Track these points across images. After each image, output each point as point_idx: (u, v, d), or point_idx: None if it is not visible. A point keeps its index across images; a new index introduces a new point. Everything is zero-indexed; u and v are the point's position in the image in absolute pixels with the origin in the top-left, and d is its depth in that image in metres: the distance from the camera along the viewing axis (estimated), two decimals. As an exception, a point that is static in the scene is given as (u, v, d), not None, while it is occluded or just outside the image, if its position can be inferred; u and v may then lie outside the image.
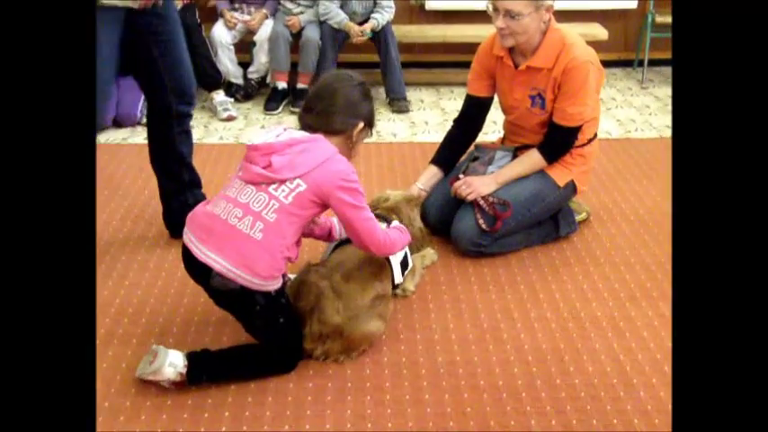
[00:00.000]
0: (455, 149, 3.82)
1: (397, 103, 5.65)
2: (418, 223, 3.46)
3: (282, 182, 2.59)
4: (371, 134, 2.93)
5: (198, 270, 2.66)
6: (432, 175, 3.74)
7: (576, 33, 3.46)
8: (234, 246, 2.58)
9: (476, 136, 3.84)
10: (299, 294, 2.84)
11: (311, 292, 2.82)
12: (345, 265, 2.93)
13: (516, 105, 3.58)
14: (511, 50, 3.48)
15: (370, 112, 2.85)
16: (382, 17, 5.50)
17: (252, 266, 2.57)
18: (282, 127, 2.74)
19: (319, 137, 2.68)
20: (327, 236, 3.13)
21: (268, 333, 2.76)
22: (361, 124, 2.79)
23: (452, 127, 3.86)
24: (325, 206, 2.68)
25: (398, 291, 3.19)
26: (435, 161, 3.78)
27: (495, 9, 3.29)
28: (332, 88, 2.79)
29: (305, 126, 2.77)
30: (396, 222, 3.18)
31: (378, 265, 3.01)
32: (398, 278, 3.14)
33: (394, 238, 2.85)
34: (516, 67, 3.47)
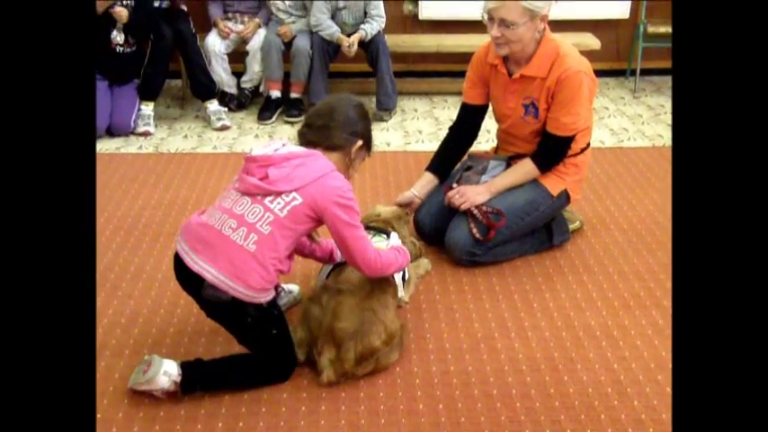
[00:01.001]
0: (450, 157, 3.82)
1: (379, 113, 5.65)
2: (409, 239, 3.46)
3: (278, 194, 2.59)
4: (369, 155, 2.93)
5: (190, 280, 2.65)
6: (427, 182, 3.74)
7: (570, 44, 3.46)
8: (227, 256, 2.57)
9: (471, 143, 3.84)
10: (340, 316, 2.80)
11: (355, 315, 2.80)
12: (376, 288, 2.92)
13: (509, 114, 3.58)
14: (505, 59, 3.49)
15: (369, 131, 2.88)
16: (371, 27, 5.49)
17: (244, 278, 2.57)
18: (281, 142, 2.75)
19: (318, 153, 2.70)
20: (329, 257, 3.11)
21: (261, 345, 2.76)
22: (360, 142, 2.81)
23: (448, 134, 3.86)
24: (319, 221, 2.68)
25: (393, 302, 3.19)
26: (431, 168, 3.78)
27: (491, 18, 3.29)
28: (331, 106, 2.83)
29: (305, 142, 2.79)
30: (395, 239, 3.18)
31: (394, 288, 3.04)
32: (400, 293, 3.14)
33: (386, 260, 2.83)
34: (510, 75, 3.48)
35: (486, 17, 3.32)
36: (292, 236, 2.64)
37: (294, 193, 2.59)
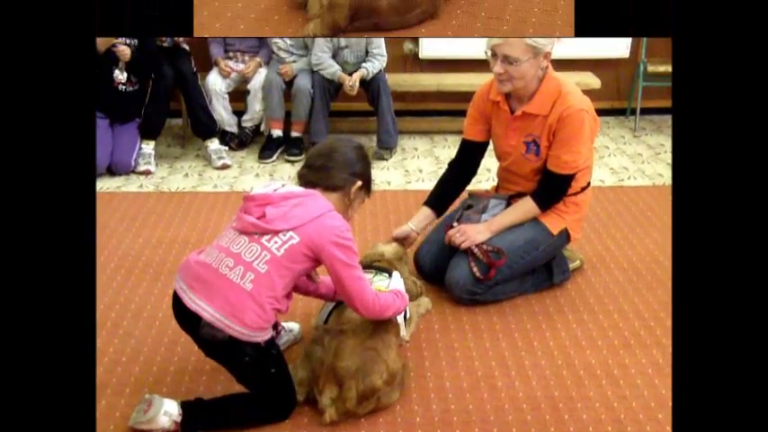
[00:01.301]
0: (449, 192, 3.83)
1: (380, 151, 5.69)
2: (410, 278, 3.46)
3: (275, 233, 2.60)
4: (369, 196, 2.94)
5: (188, 319, 2.64)
6: (424, 216, 3.74)
7: (573, 82, 3.48)
8: (223, 295, 2.57)
9: (470, 180, 3.85)
10: (341, 355, 2.79)
11: (356, 354, 2.78)
12: (378, 328, 2.91)
13: (511, 151, 3.59)
14: (507, 96, 3.50)
15: (368, 173, 2.89)
16: (373, 66, 5.53)
17: (240, 316, 2.56)
18: (281, 182, 2.76)
19: (316, 193, 2.71)
20: (333, 294, 3.10)
21: (260, 384, 2.74)
22: (359, 183, 2.82)
23: (447, 170, 3.87)
24: (317, 261, 2.67)
25: (394, 340, 3.18)
26: (428, 203, 3.78)
27: (494, 54, 3.31)
28: (331, 147, 2.86)
29: (304, 183, 2.80)
30: (397, 279, 3.18)
31: (396, 327, 3.03)
32: (402, 333, 3.13)
33: (384, 302, 2.81)
34: (512, 112, 3.49)
35: (489, 53, 3.33)
36: (290, 275, 2.64)
37: (291, 233, 2.60)
